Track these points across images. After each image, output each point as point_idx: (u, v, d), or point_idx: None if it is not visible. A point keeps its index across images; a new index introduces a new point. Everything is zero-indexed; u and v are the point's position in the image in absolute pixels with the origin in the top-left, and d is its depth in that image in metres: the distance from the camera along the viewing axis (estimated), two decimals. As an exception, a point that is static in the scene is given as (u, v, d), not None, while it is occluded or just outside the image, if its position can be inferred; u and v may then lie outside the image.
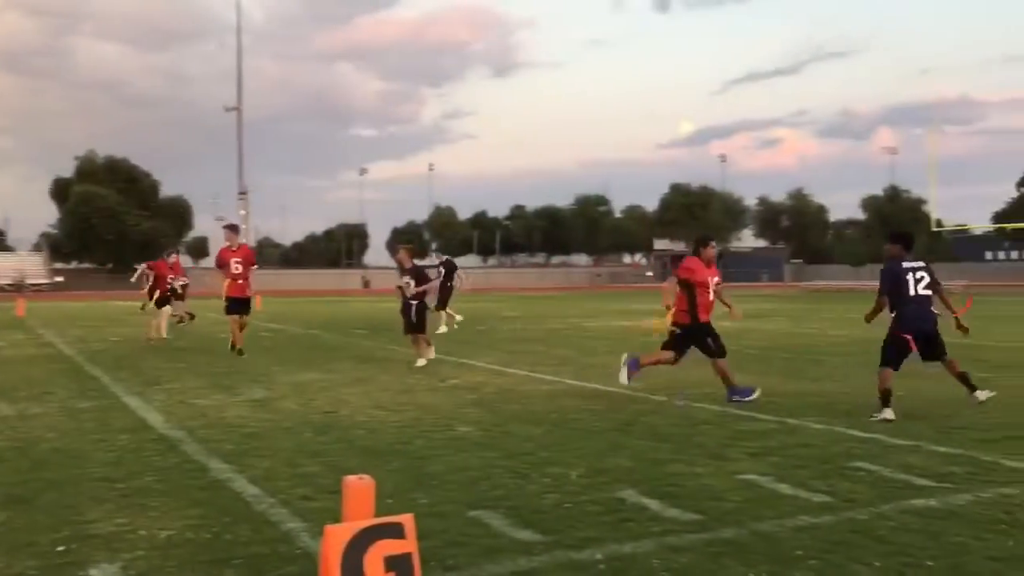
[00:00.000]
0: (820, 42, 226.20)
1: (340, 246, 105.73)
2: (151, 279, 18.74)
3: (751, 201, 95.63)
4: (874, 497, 5.39)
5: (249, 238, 70.76)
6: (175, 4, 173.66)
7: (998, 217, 74.44)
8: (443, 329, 18.79)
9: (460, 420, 8.22)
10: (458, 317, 20.44)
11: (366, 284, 75.16)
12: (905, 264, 8.28)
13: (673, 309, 9.09)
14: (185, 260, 49.60)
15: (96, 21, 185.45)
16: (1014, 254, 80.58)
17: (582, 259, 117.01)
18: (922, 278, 8.25)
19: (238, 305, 14.26)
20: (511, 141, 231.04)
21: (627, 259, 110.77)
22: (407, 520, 3.60)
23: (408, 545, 3.57)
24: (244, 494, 5.61)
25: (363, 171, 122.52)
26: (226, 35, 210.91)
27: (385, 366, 12.84)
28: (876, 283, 8.62)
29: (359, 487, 4.04)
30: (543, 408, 8.87)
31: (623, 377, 9.24)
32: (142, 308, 21.00)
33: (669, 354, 9.21)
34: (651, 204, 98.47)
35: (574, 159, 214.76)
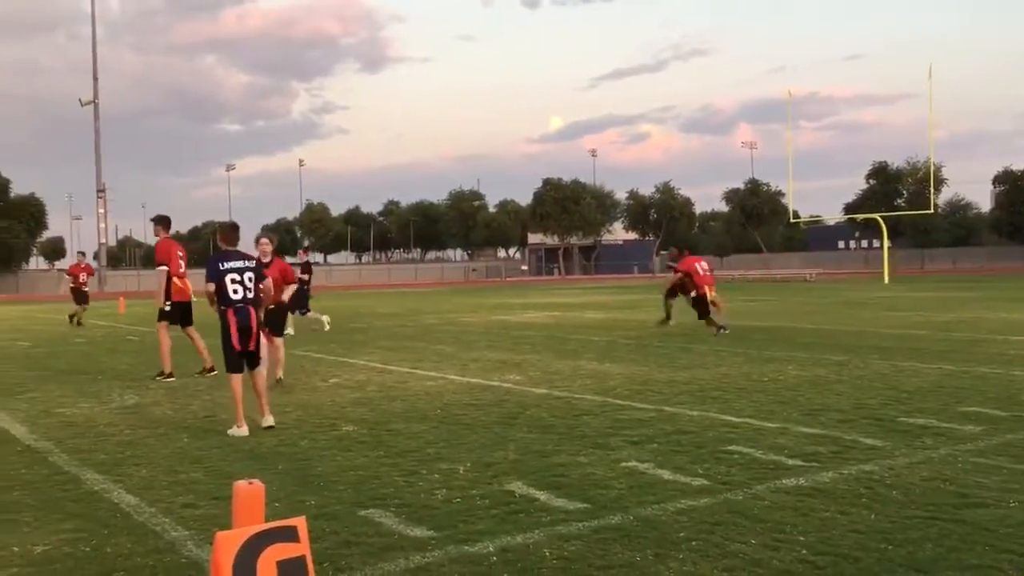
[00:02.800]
0: (680, 40, 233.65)
1: (207, 244, 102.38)
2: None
3: (621, 194, 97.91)
4: (748, 478, 5.67)
5: (109, 238, 67.77)
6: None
7: (849, 208, 78.62)
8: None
9: (344, 419, 8.15)
10: (325, 318, 19.05)
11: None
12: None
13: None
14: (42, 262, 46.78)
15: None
16: (864, 242, 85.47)
17: (457, 254, 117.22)
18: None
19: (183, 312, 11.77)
20: (384, 136, 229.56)
21: (501, 253, 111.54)
22: (300, 523, 3.57)
23: (301, 548, 3.54)
24: (123, 504, 5.42)
25: (230, 167, 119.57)
26: (79, 25, 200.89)
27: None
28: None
29: (249, 492, 3.97)
30: (428, 405, 8.89)
31: None
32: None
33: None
34: (524, 198, 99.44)
35: (447, 154, 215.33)
